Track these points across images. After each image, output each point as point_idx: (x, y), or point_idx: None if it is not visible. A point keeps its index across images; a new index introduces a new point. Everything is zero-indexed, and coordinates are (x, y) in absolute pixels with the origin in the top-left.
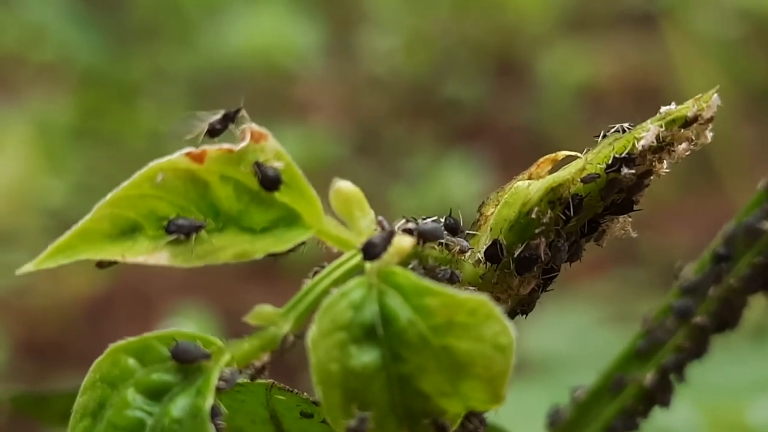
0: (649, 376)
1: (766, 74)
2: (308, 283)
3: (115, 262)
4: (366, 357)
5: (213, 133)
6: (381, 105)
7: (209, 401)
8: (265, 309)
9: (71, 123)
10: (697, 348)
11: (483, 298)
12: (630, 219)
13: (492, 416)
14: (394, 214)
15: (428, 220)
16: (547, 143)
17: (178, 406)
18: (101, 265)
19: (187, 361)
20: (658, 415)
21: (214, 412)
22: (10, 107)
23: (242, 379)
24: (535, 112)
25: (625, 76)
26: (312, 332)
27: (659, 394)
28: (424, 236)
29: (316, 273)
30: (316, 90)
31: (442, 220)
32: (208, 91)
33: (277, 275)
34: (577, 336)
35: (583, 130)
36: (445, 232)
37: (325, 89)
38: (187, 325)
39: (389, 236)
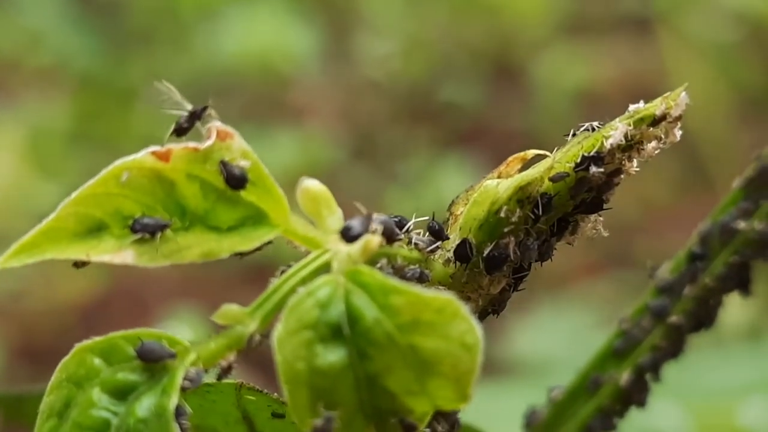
0: (625, 376)
1: (762, 78)
2: (275, 281)
3: (88, 262)
4: (332, 356)
5: (180, 131)
6: (378, 109)
7: (174, 400)
8: (232, 308)
9: (67, 127)
10: (673, 347)
11: (449, 297)
12: (601, 218)
13: (483, 418)
14: None
15: (393, 218)
16: (544, 147)
17: (143, 406)
18: (77, 264)
19: (153, 361)
20: (647, 417)
21: (179, 412)
22: (6, 111)
23: (212, 380)
24: (532, 116)
25: (623, 81)
26: (278, 331)
27: (635, 394)
28: (384, 233)
29: (283, 272)
30: (313, 94)
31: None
32: (204, 96)
33: (266, 278)
34: (571, 338)
35: None
36: (416, 232)
37: (322, 93)
38: (182, 328)
39: (367, 219)
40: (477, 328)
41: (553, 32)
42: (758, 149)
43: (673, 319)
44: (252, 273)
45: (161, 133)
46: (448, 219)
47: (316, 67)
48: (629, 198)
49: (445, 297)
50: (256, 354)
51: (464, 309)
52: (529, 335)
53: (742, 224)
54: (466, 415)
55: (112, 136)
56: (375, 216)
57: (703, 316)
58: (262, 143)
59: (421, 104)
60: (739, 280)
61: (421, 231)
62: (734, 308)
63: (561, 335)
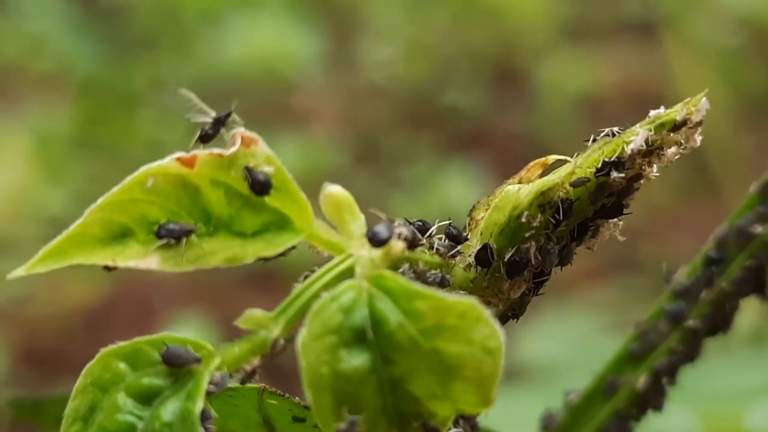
0: (641, 380)
1: (765, 82)
2: (298, 287)
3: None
4: (356, 360)
5: (205, 138)
6: (381, 114)
7: (199, 405)
8: (256, 313)
9: (71, 132)
10: (690, 351)
11: (472, 302)
12: (620, 223)
13: (491, 423)
14: None
15: (417, 223)
16: (547, 151)
17: (169, 410)
18: (107, 268)
19: (178, 365)
20: (654, 420)
21: (204, 416)
22: (10, 117)
23: (234, 384)
24: (535, 120)
25: (625, 85)
26: (302, 336)
27: (652, 398)
28: (406, 239)
29: (306, 277)
30: (315, 99)
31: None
32: (207, 101)
33: (278, 283)
34: (576, 343)
35: (582, 138)
36: (438, 237)
37: (324, 98)
38: (187, 333)
39: (391, 224)
40: (499, 333)
41: (556, 36)
42: (763, 153)
43: (690, 323)
44: (258, 278)
45: (165, 138)
46: (469, 224)
47: (319, 71)
48: (634, 203)
49: (468, 301)
50: (269, 362)
51: (487, 313)
52: (534, 340)
53: (758, 228)
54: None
55: (116, 142)
56: (397, 222)
57: (720, 321)
58: None
59: (424, 109)
60: (756, 284)
61: (443, 236)
62: (743, 313)
63: (566, 340)
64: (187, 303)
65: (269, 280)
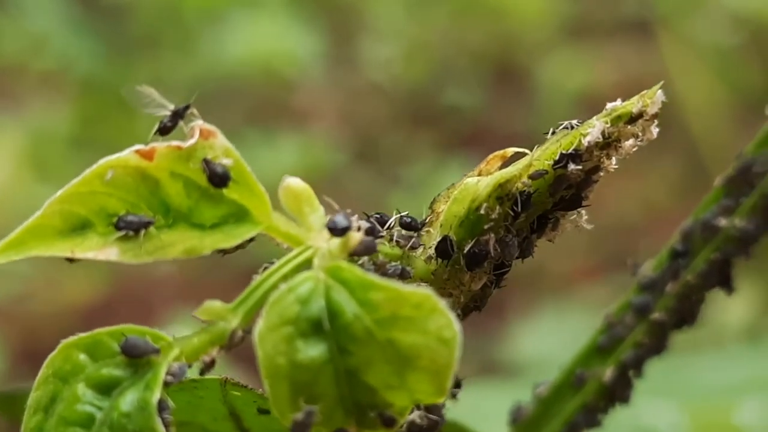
0: (608, 372)
1: (762, 81)
2: (257, 278)
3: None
4: (313, 351)
5: (163, 130)
6: (380, 113)
7: (157, 395)
8: (214, 304)
9: (71, 131)
10: (656, 344)
11: (427, 292)
12: (584, 215)
13: (482, 419)
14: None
15: (375, 216)
16: None
17: (127, 401)
18: (70, 259)
19: (136, 356)
20: (643, 415)
21: (162, 406)
22: (10, 116)
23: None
24: (535, 119)
25: (624, 84)
26: (259, 326)
27: (619, 390)
28: (365, 230)
29: (265, 269)
30: (315, 98)
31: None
32: (208, 100)
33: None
34: (573, 341)
35: None
36: (397, 228)
37: (324, 97)
38: (186, 331)
39: (349, 215)
40: (455, 323)
41: (555, 35)
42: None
43: (656, 315)
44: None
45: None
46: (430, 216)
47: (319, 70)
48: (631, 200)
49: (423, 292)
50: (248, 350)
51: (442, 304)
52: (531, 338)
53: (723, 222)
54: (464, 413)
55: (115, 141)
56: (356, 215)
57: (686, 313)
58: (265, 147)
59: (424, 107)
60: (721, 277)
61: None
62: (734, 308)
63: (563, 338)
64: (186, 301)
65: None
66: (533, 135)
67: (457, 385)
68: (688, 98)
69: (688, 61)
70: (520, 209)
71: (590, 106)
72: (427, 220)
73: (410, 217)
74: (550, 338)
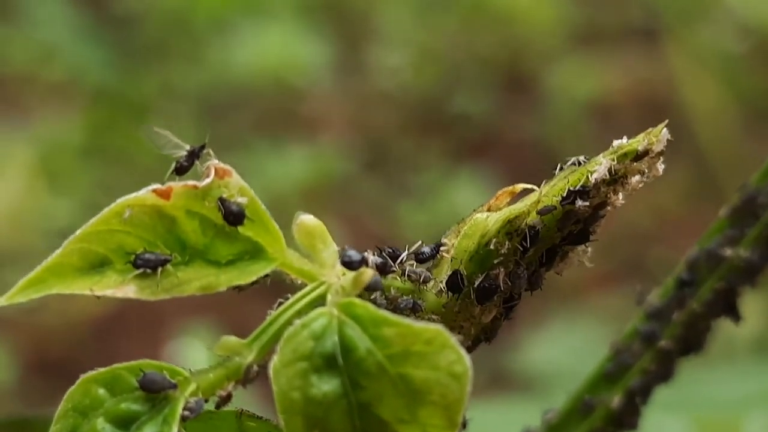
0: (616, 399)
1: None
2: (272, 314)
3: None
4: (326, 385)
5: (180, 170)
6: (390, 121)
7: (174, 430)
8: (230, 340)
9: (81, 141)
10: (663, 371)
11: (439, 328)
12: (589, 249)
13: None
14: (403, 230)
15: (387, 250)
16: (556, 158)
17: None
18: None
19: (154, 391)
20: (650, 428)
21: None
22: (20, 126)
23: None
24: (544, 126)
25: (634, 91)
26: (274, 362)
27: (626, 417)
28: (377, 266)
29: (280, 304)
30: (325, 106)
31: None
32: (217, 109)
33: (286, 294)
34: (585, 351)
35: (592, 144)
36: (409, 263)
37: (334, 106)
38: (197, 344)
39: (360, 254)
40: (465, 358)
41: (564, 43)
42: (763, 159)
43: (663, 343)
44: (268, 288)
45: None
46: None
47: (328, 79)
48: (642, 208)
49: (435, 328)
50: (262, 380)
51: (453, 340)
52: (542, 347)
53: (728, 251)
54: (475, 428)
55: (125, 150)
56: (368, 251)
57: (692, 341)
58: (274, 155)
59: (433, 115)
60: (726, 306)
61: (413, 263)
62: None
63: (574, 346)
64: (197, 313)
65: (279, 291)
66: (543, 142)
67: (464, 425)
68: (696, 106)
69: (696, 68)
70: (529, 244)
71: (599, 114)
72: (438, 254)
73: (428, 246)
74: (561, 347)
